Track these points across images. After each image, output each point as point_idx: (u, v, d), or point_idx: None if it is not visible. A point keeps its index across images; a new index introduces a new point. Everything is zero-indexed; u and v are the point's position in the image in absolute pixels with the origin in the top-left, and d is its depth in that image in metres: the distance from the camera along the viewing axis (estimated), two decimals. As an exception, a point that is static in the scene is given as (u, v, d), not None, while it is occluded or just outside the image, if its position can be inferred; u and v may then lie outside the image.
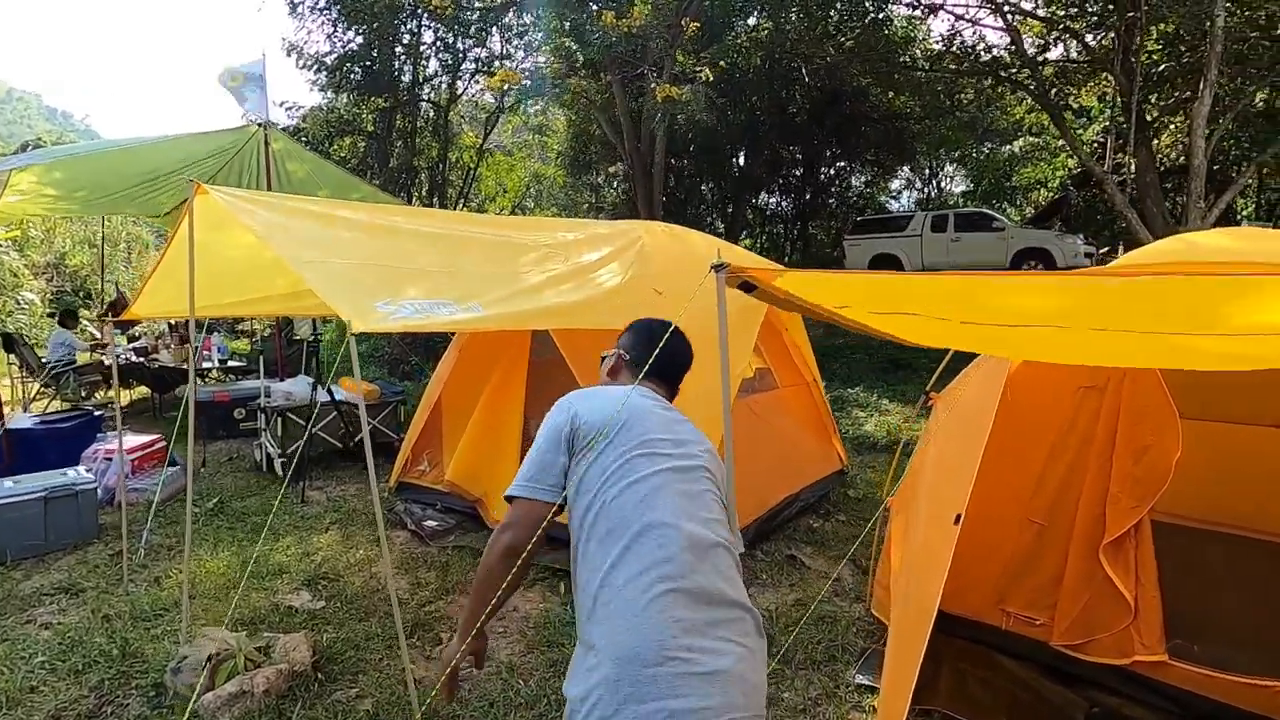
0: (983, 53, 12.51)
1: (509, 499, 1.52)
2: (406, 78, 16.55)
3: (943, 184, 25.60)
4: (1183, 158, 11.48)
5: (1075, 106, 11.80)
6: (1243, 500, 3.69)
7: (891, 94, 16.44)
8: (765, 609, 3.43)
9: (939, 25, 21.83)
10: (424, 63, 16.81)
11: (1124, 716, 2.59)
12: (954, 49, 13.11)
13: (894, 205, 25.91)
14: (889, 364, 10.19)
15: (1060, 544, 2.98)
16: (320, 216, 3.28)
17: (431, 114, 17.58)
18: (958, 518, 2.43)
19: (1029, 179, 18.61)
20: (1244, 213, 14.68)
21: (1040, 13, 11.29)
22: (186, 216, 3.08)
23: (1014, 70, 11.42)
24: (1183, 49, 9.78)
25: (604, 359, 1.87)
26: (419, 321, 2.64)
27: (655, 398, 1.70)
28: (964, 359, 2.87)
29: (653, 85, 9.47)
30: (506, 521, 1.52)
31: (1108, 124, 14.43)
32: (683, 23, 10.03)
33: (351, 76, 15.32)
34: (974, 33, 13.14)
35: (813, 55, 13.78)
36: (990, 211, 15.62)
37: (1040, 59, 11.15)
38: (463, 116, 18.46)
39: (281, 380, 6.54)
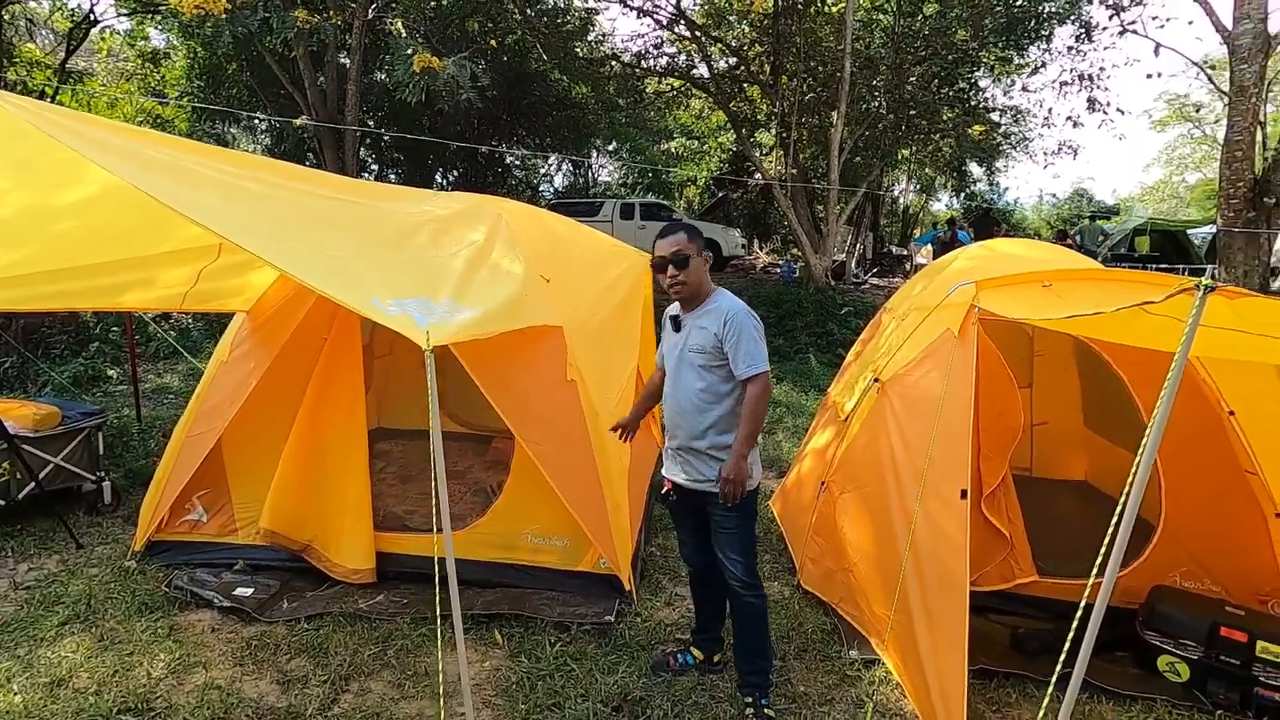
0: (666, 56, 13.77)
1: (755, 377, 2.48)
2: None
3: (597, 174, 27.62)
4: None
5: (755, 119, 13.90)
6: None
7: (569, 81, 17.01)
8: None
9: (626, 25, 23.30)
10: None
11: (1038, 630, 3.26)
12: (638, 49, 14.15)
13: (545, 188, 27.09)
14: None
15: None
16: (162, 165, 2.09)
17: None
18: (963, 493, 2.74)
19: (682, 176, 21.29)
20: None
21: (715, 33, 12.89)
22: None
23: (705, 79, 12.89)
24: (820, 86, 12.24)
25: (684, 261, 2.55)
26: (471, 326, 1.90)
27: None
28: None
29: (410, 51, 8.03)
30: (766, 382, 2.50)
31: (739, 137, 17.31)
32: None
33: None
34: (655, 37, 14.32)
35: (499, 28, 13.38)
36: (667, 203, 17.50)
37: (722, 74, 12.82)
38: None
39: None
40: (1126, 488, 1.60)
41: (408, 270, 2.45)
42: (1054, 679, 2.04)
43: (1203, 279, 1.44)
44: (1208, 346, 2.56)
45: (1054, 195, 35.47)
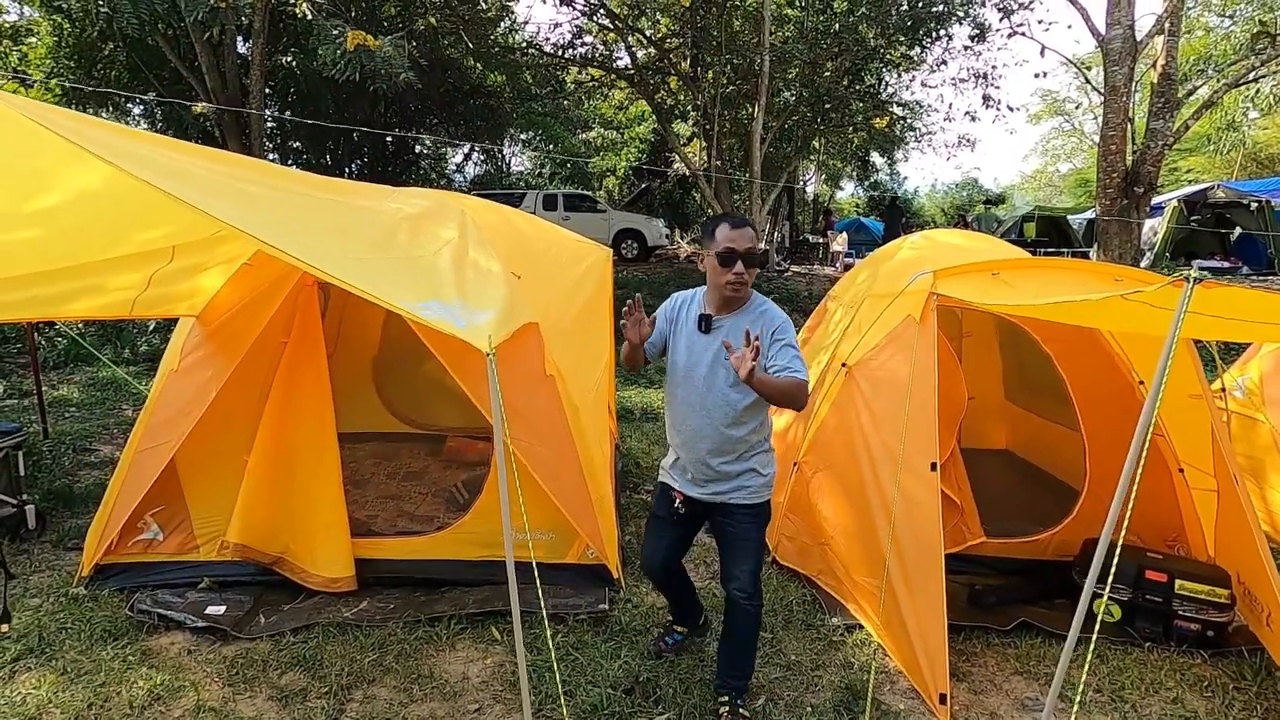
0: (586, 45, 13.73)
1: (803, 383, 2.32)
2: None
3: (510, 164, 27.15)
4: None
5: (680, 112, 14.07)
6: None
7: (482, 68, 16.62)
8: (702, 590, 3.51)
9: (543, 13, 22.91)
10: None
11: (990, 585, 3.58)
12: (557, 38, 14.03)
13: (458, 179, 26.43)
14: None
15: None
16: (167, 169, 1.98)
17: None
18: (934, 465, 2.99)
19: (601, 167, 21.29)
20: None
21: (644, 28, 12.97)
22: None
23: (629, 70, 12.94)
24: (740, 79, 12.56)
25: (755, 259, 2.42)
26: (499, 328, 1.91)
27: None
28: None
29: (336, 31, 7.59)
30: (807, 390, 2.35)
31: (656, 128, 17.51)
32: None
33: None
34: (574, 26, 14.23)
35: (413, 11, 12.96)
36: (590, 194, 17.47)
37: (644, 64, 12.93)
38: None
39: None
40: (1135, 456, 1.81)
41: (409, 272, 2.41)
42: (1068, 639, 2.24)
43: (1191, 272, 1.67)
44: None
45: (946, 185, 37.93)
